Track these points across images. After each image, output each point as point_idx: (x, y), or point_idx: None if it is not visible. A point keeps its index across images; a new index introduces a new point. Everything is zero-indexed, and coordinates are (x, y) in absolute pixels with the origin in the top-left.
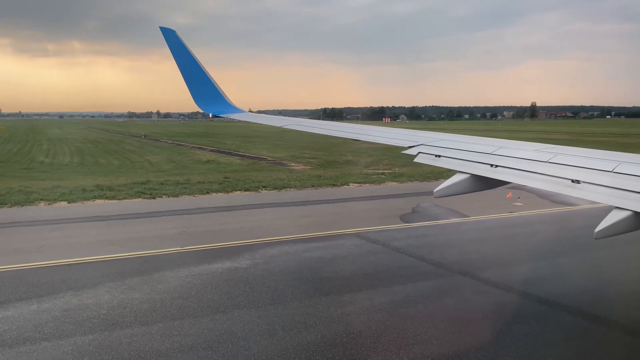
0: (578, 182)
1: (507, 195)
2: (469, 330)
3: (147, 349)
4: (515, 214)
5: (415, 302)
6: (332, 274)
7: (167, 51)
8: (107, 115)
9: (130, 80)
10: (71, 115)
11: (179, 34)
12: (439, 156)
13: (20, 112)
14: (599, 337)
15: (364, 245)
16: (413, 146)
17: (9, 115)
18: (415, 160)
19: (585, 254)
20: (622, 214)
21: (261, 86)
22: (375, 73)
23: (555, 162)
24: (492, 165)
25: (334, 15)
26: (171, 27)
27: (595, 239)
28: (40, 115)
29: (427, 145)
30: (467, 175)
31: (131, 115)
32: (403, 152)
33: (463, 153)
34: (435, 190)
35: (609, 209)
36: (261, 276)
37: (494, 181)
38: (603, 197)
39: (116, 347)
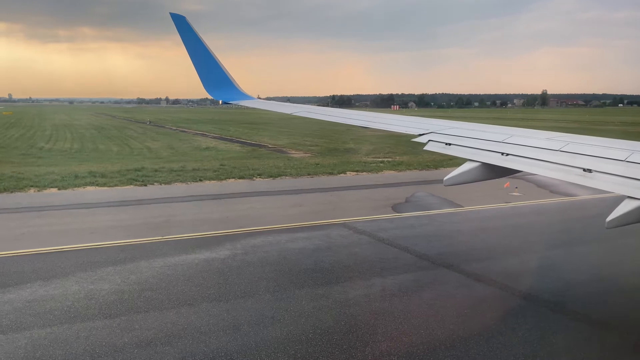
0: (590, 171)
1: (505, 185)
2: (442, 327)
3: (103, 343)
4: (511, 205)
5: (391, 296)
6: (311, 265)
7: (178, 37)
8: (116, 101)
9: (140, 67)
10: (81, 101)
11: (189, 20)
12: (449, 144)
13: (30, 97)
14: (579, 334)
15: (350, 235)
16: (423, 134)
17: (19, 100)
18: (425, 148)
19: (579, 246)
20: (635, 204)
21: (270, 73)
22: (385, 60)
23: (567, 150)
24: (502, 154)
25: (344, 2)
26: (181, 13)
27: (607, 228)
28: (51, 101)
29: (437, 133)
30: (477, 164)
31: (140, 101)
32: (413, 139)
33: (473, 141)
34: (445, 179)
35: (610, 200)
36: (237, 267)
37: (505, 170)
38: (615, 187)
39: (72, 341)
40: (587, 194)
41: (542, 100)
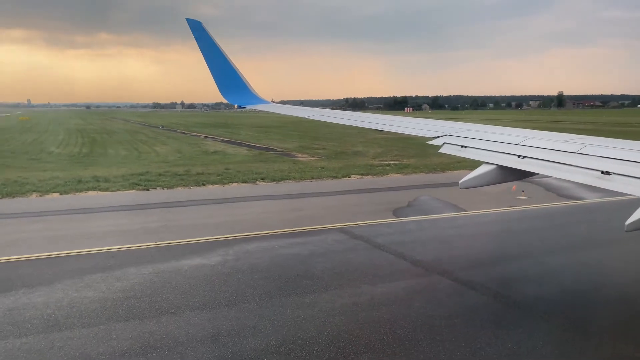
0: (609, 173)
1: (512, 188)
2: (428, 337)
3: (77, 354)
4: (516, 209)
5: (379, 304)
6: (302, 272)
7: (194, 42)
8: (132, 106)
9: (156, 71)
10: (98, 106)
11: (205, 25)
12: (465, 147)
13: (49, 103)
14: (573, 345)
15: (346, 241)
16: (438, 137)
17: (38, 106)
18: (441, 150)
19: (582, 252)
20: None
21: (284, 76)
22: (399, 62)
23: (584, 153)
24: (519, 156)
25: (357, 5)
26: (197, 18)
27: (626, 231)
28: (69, 106)
29: (453, 135)
30: (493, 166)
31: (156, 105)
32: (428, 142)
33: (489, 144)
34: (460, 182)
35: (622, 203)
36: (226, 274)
37: (521, 172)
38: (635, 189)
39: (46, 352)
40: (596, 197)
41: (558, 102)
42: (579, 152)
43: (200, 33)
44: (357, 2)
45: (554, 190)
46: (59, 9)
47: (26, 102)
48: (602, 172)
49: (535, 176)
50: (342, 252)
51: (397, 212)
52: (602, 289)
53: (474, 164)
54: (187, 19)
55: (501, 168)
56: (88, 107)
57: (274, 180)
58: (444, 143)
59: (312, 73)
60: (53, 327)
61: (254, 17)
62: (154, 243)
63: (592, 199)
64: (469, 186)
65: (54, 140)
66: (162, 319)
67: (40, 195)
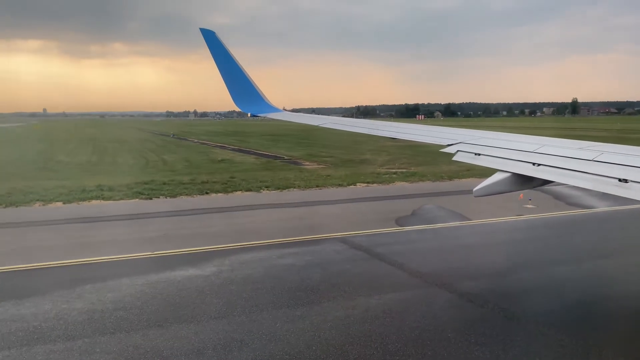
0: (626, 181)
1: (519, 197)
2: (419, 353)
3: None
4: (522, 218)
5: (373, 318)
6: (297, 283)
7: (207, 51)
8: (145, 115)
9: (170, 80)
10: (112, 115)
11: (218, 34)
12: (479, 154)
13: (64, 112)
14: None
15: (345, 251)
16: (452, 144)
17: (53, 115)
18: (454, 158)
19: (589, 262)
20: None
21: (296, 84)
22: (411, 70)
23: (601, 160)
24: (534, 164)
25: (368, 14)
26: (210, 27)
27: None
28: (83, 115)
29: (466, 143)
30: (507, 174)
31: (169, 114)
32: (441, 150)
33: (503, 151)
34: (474, 190)
35: (629, 213)
36: (219, 285)
37: (536, 180)
38: None
39: None
40: (606, 206)
41: (572, 109)
42: (595, 159)
43: (213, 43)
44: (368, 10)
45: (563, 198)
46: (73, 19)
47: (42, 112)
48: (620, 180)
49: (545, 184)
50: (340, 263)
51: (400, 221)
52: (608, 301)
53: (483, 172)
54: (201, 29)
55: (516, 176)
56: (102, 116)
57: (278, 188)
58: (458, 151)
59: (324, 81)
60: (37, 339)
61: (267, 26)
62: (150, 253)
63: (602, 207)
64: (483, 194)
65: (64, 149)
66: (149, 331)
67: (44, 205)
